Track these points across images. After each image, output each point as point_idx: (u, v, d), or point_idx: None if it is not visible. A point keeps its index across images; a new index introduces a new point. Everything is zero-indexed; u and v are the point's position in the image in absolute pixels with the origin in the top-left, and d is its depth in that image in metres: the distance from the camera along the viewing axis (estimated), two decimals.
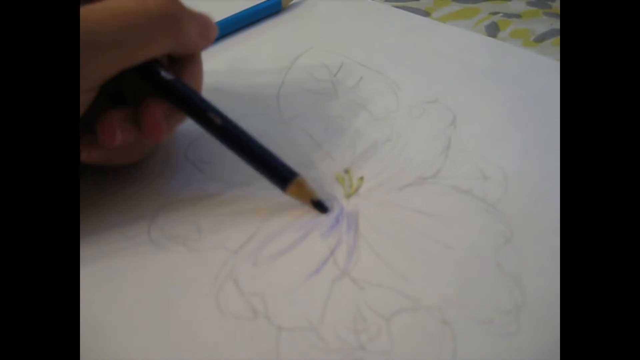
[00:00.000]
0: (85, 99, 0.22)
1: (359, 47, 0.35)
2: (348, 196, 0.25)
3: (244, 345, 0.20)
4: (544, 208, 0.25)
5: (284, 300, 0.21)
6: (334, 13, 0.39)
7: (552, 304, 0.21)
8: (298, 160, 0.26)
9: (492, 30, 0.38)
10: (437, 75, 0.33)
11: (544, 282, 0.22)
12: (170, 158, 0.27)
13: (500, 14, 0.40)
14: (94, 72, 0.21)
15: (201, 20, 0.25)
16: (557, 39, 0.37)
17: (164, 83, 0.23)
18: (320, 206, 0.24)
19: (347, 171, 0.27)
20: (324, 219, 0.24)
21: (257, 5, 0.38)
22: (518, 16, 0.40)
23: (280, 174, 0.24)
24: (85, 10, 0.20)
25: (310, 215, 0.24)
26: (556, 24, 0.39)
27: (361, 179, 0.26)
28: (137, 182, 0.26)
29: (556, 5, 0.41)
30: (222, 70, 0.34)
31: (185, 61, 0.25)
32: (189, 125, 0.25)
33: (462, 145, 0.28)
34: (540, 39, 0.38)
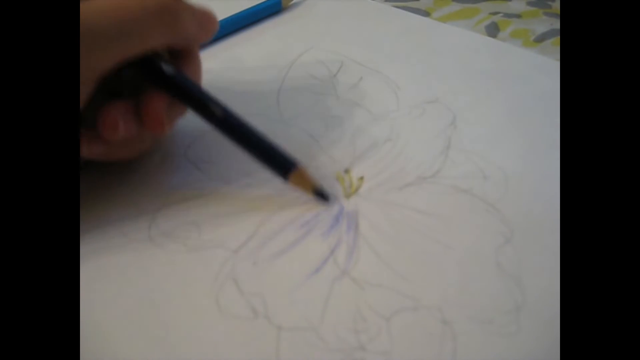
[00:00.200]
0: (84, 93, 0.22)
1: (359, 47, 0.35)
2: (348, 196, 0.25)
3: (244, 345, 0.20)
4: (544, 208, 0.25)
5: (284, 300, 0.21)
6: (334, 13, 0.39)
7: (552, 304, 0.21)
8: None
9: (492, 30, 0.38)
10: (437, 75, 0.33)
11: (544, 282, 0.22)
12: (170, 158, 0.27)
13: (500, 14, 0.40)
14: (92, 65, 0.21)
15: (201, 13, 0.25)
16: (557, 39, 0.37)
17: (165, 76, 0.23)
18: (322, 195, 0.25)
19: (347, 171, 0.27)
20: (324, 219, 0.24)
21: (257, 5, 0.38)
22: (518, 16, 0.40)
23: (281, 163, 0.24)
24: (83, 5, 0.20)
25: (311, 211, 0.24)
26: (556, 24, 0.39)
27: (361, 178, 0.26)
28: (137, 182, 0.26)
29: (556, 5, 0.41)
30: (222, 70, 0.34)
31: (184, 55, 0.25)
32: (189, 125, 0.25)
33: (462, 145, 0.28)
34: (540, 39, 0.38)
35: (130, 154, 0.26)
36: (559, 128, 0.28)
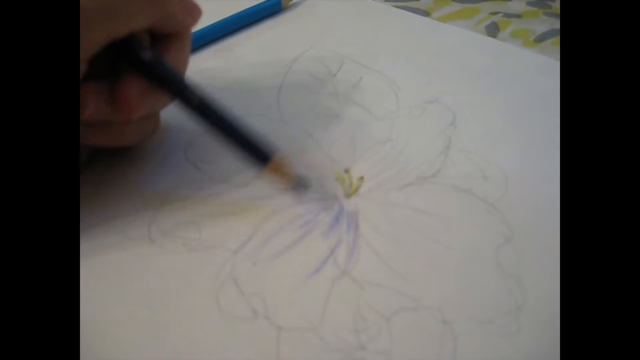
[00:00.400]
0: None
1: (359, 47, 0.35)
2: (348, 196, 0.25)
3: (244, 345, 0.20)
4: (544, 208, 0.25)
5: (284, 300, 0.21)
6: (334, 13, 0.39)
7: (552, 304, 0.21)
8: (298, 160, 0.26)
9: (492, 30, 0.38)
10: (437, 75, 0.33)
11: (544, 282, 0.22)
12: (170, 158, 0.27)
13: (500, 14, 0.40)
14: (83, 46, 0.21)
15: None
16: (557, 39, 0.37)
17: (141, 61, 0.23)
18: (301, 182, 0.24)
19: (347, 171, 0.27)
20: (324, 219, 0.24)
21: (257, 5, 0.38)
22: (518, 16, 0.40)
23: (258, 153, 0.24)
24: None
25: (311, 211, 0.24)
26: (556, 24, 0.39)
27: (361, 178, 0.26)
28: (137, 182, 0.26)
29: (556, 5, 0.41)
30: (222, 69, 0.34)
31: (169, 39, 0.25)
32: (189, 125, 0.25)
33: (462, 145, 0.28)
34: (540, 39, 0.38)
35: (112, 141, 0.25)
36: (559, 128, 0.28)
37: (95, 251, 0.23)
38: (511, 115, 0.30)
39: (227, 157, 0.26)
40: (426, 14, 0.40)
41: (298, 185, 0.24)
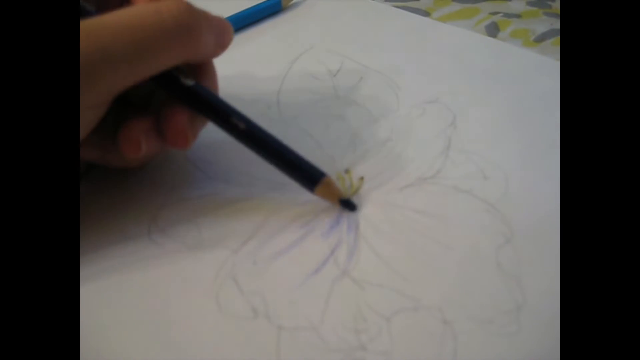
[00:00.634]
0: (99, 111, 0.21)
1: (359, 47, 0.35)
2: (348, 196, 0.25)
3: (244, 345, 0.20)
4: (544, 208, 0.25)
5: (284, 300, 0.21)
6: (334, 13, 0.39)
7: (552, 304, 0.21)
8: None
9: (492, 30, 0.38)
10: (437, 75, 0.33)
11: (544, 282, 0.22)
12: (171, 158, 0.27)
13: (500, 14, 0.40)
14: (107, 86, 0.21)
15: (218, 26, 0.24)
16: (557, 39, 0.37)
17: (185, 89, 0.23)
18: (349, 205, 0.25)
19: (347, 171, 0.27)
20: (325, 219, 0.24)
21: (257, 5, 0.38)
22: (518, 16, 0.40)
23: (307, 175, 0.24)
24: (99, 23, 0.20)
25: (311, 212, 0.24)
26: (556, 24, 0.39)
27: (361, 179, 0.26)
28: (137, 182, 0.26)
29: (556, 5, 0.42)
30: (221, 70, 0.33)
31: (201, 67, 0.24)
32: None
33: (462, 145, 0.28)
34: (540, 39, 0.38)
35: (147, 162, 0.26)
36: (559, 128, 0.28)
37: (95, 250, 0.23)
38: (511, 115, 0.30)
39: (227, 157, 0.26)
40: (426, 14, 0.40)
41: (345, 207, 0.25)
